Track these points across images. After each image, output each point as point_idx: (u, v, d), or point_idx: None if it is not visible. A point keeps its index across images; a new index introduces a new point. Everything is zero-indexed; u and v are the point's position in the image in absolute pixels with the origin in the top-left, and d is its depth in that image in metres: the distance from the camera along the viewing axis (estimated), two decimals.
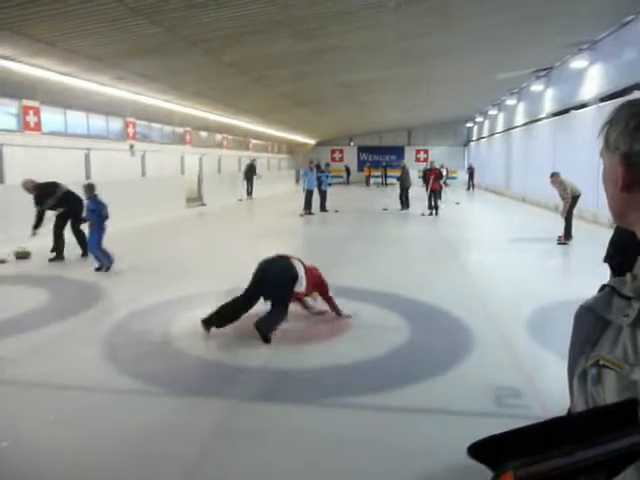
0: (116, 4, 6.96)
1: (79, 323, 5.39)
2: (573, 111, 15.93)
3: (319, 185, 17.20)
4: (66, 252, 8.71)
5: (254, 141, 28.21)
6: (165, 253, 9.91)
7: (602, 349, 0.86)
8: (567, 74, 16.10)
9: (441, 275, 7.90)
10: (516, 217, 16.75)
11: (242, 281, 7.00)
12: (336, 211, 17.16)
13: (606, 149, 0.92)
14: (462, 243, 11.36)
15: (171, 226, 13.87)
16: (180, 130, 20.01)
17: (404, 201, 18.13)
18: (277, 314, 4.87)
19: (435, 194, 16.48)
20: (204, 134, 22.17)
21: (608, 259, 0.82)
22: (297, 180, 31.59)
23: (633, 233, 0.94)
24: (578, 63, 14.67)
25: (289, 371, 4.17)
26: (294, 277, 5.03)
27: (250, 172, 23.02)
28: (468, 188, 30.68)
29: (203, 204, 18.92)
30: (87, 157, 13.02)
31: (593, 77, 14.34)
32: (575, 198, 10.67)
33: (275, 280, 4.99)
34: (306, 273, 5.16)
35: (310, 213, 16.30)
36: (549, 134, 18.41)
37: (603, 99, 13.77)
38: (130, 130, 16.40)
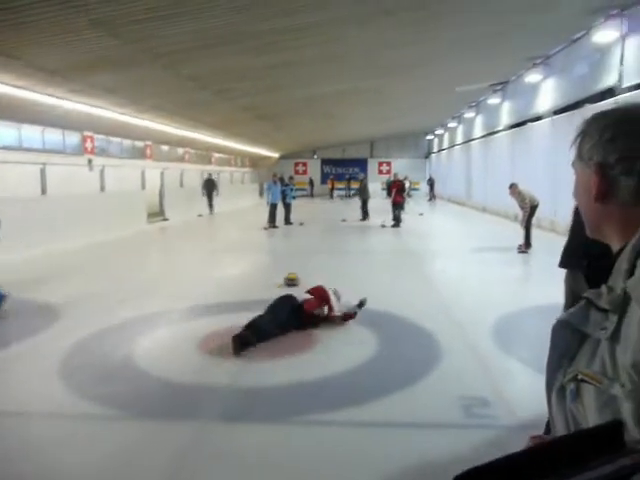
0: (75, 16, 6.80)
1: (34, 346, 5.16)
2: (529, 123, 16.42)
3: (283, 198, 17.25)
4: None
5: (217, 155, 28.01)
6: (125, 270, 9.66)
7: (580, 363, 0.84)
8: (522, 88, 16.60)
9: (406, 286, 7.94)
10: (477, 227, 17.08)
11: (204, 298, 6.91)
12: (301, 224, 17.16)
13: (579, 160, 0.93)
14: (426, 253, 11.49)
15: (131, 242, 13.56)
16: (140, 144, 19.68)
17: (364, 213, 18.76)
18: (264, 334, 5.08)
19: (397, 206, 16.63)
20: (165, 148, 21.89)
21: (583, 268, 0.79)
22: (261, 194, 31.46)
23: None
24: (532, 77, 15.15)
25: (256, 389, 4.08)
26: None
27: (210, 187, 22.46)
28: (430, 199, 31.19)
29: (165, 219, 18.59)
30: (43, 172, 12.63)
31: (547, 91, 14.82)
32: (534, 208, 10.95)
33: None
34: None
35: (274, 226, 16.23)
36: (507, 145, 18.90)
37: (557, 112, 14.24)
38: (88, 144, 16.04)
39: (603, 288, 0.85)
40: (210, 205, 22.12)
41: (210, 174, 23.34)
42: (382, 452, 3.17)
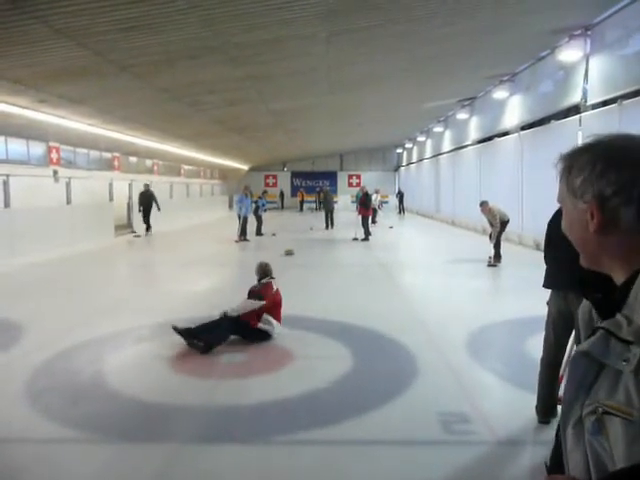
0: (39, 25, 6.62)
1: None
2: (496, 138, 16.78)
3: (256, 210, 17.74)
4: None
5: (186, 167, 27.72)
6: (92, 285, 9.40)
7: (599, 395, 0.82)
8: (490, 104, 16.97)
9: (379, 300, 7.93)
10: (447, 240, 17.27)
11: (174, 314, 6.73)
12: (273, 234, 17.59)
13: (572, 196, 0.92)
14: (397, 267, 11.54)
15: (98, 256, 13.23)
16: (108, 155, 19.31)
17: (329, 221, 20.20)
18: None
19: (366, 219, 16.64)
20: (134, 159, 21.53)
21: (586, 293, 0.81)
22: (230, 206, 31.21)
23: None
24: (499, 94, 15.50)
25: (232, 408, 3.98)
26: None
27: (146, 200, 17.91)
28: (399, 212, 31.48)
29: (133, 232, 18.23)
30: (6, 183, 12.24)
31: (514, 107, 15.18)
32: (504, 224, 11.15)
33: None
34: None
35: (245, 239, 16.08)
36: (475, 160, 19.25)
37: (524, 127, 14.59)
38: (53, 155, 15.64)
39: (620, 317, 0.84)
40: (147, 223, 17.91)
41: (147, 185, 18.31)
42: (364, 471, 3.12)
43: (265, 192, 20.72)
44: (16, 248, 11.12)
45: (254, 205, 17.74)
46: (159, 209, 18.06)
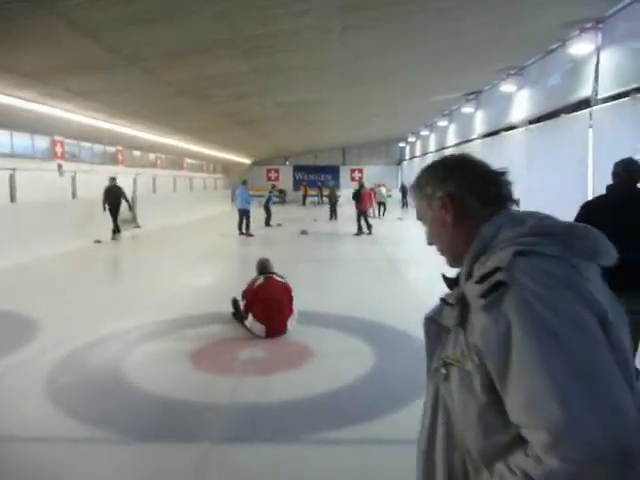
0: (52, 17, 6.54)
1: (15, 363, 4.88)
2: (503, 132, 16.68)
3: (266, 203, 18.92)
4: None
5: (189, 160, 27.63)
6: (102, 279, 9.36)
7: (447, 350, 1.05)
8: (496, 97, 16.85)
9: (393, 294, 7.88)
10: None
11: (187, 309, 6.69)
12: (279, 224, 18.67)
13: (426, 205, 1.21)
14: (406, 261, 11.49)
15: (106, 250, 13.17)
16: (112, 149, 19.23)
17: (333, 213, 22.22)
18: None
19: (360, 214, 16.57)
20: (137, 153, 21.44)
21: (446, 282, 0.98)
22: (233, 200, 31.04)
23: None
24: (507, 87, 15.38)
25: (257, 405, 3.93)
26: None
27: (113, 197, 14.65)
28: (402, 206, 31.38)
29: (137, 226, 18.16)
30: (12, 177, 12.16)
31: (521, 101, 15.07)
32: None
33: None
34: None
35: (248, 234, 15.97)
36: (480, 154, 18.98)
37: (532, 121, 14.49)
38: (58, 149, 15.56)
39: (453, 290, 1.11)
40: (115, 224, 14.86)
41: (113, 179, 14.90)
42: (395, 469, 3.07)
43: (274, 186, 22.10)
44: (23, 242, 11.05)
45: (265, 198, 18.87)
46: (130, 207, 15.78)
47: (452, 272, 1.19)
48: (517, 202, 1.19)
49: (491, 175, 1.17)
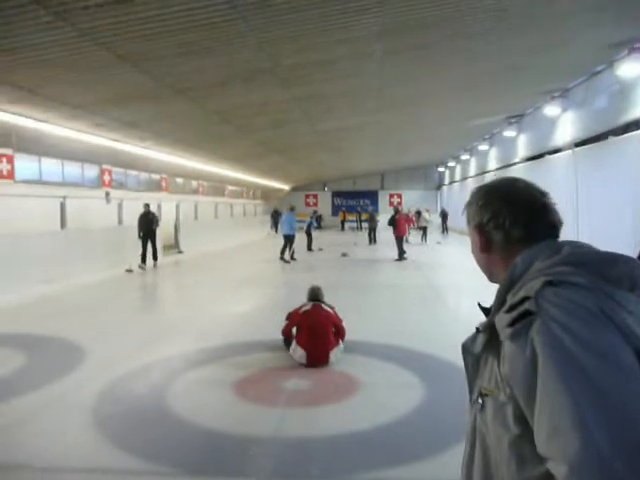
0: (103, 52, 6.78)
1: (62, 390, 4.91)
2: (547, 156, 16.30)
3: (308, 228, 19.65)
4: None
5: (230, 187, 28.09)
6: (145, 306, 9.47)
7: (484, 380, 1.06)
8: (540, 120, 16.54)
9: (436, 322, 7.67)
10: None
11: (230, 337, 6.65)
12: (320, 249, 19.28)
13: (468, 225, 1.24)
14: (449, 288, 11.22)
15: (148, 276, 13.38)
16: (156, 177, 19.73)
17: (372, 238, 22.99)
18: None
19: (399, 240, 16.41)
20: (180, 180, 21.93)
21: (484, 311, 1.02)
22: (271, 226, 31.46)
23: None
24: (550, 110, 15.08)
25: (304, 440, 3.81)
26: None
27: (146, 225, 14.19)
28: (442, 231, 30.96)
29: (180, 252, 18.46)
30: (63, 205, 12.57)
31: (566, 123, 14.73)
32: None
33: None
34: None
35: (291, 259, 15.97)
36: (524, 178, 18.71)
37: (577, 144, 14.12)
38: (106, 177, 16.06)
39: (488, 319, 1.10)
40: (154, 251, 14.50)
41: (147, 205, 14.55)
42: None
43: (315, 212, 24.09)
44: (72, 268, 11.34)
45: (305, 224, 19.63)
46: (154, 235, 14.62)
47: (489, 301, 1.17)
48: (558, 233, 1.17)
49: (531, 210, 1.15)
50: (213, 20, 6.37)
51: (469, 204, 1.23)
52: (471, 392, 1.13)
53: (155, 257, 14.62)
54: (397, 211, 17.57)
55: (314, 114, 13.58)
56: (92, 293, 10.58)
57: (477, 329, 1.11)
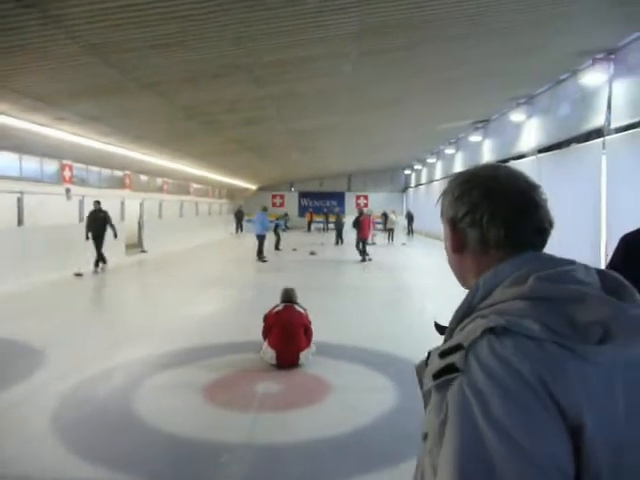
0: (69, 41, 6.51)
1: (18, 397, 4.66)
2: (512, 161, 16.62)
3: (275, 228, 19.74)
4: None
5: (195, 185, 27.65)
6: (107, 306, 9.18)
7: (428, 415, 0.89)
8: (505, 126, 16.87)
9: (405, 326, 7.67)
10: None
11: (197, 339, 6.48)
12: (294, 249, 19.43)
13: (441, 217, 1.04)
14: (416, 290, 11.28)
15: (112, 275, 12.99)
16: (119, 174, 19.23)
17: (339, 239, 23.50)
18: None
19: (359, 241, 16.69)
20: (144, 178, 21.45)
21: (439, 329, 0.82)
22: (237, 226, 31.11)
23: None
24: (516, 116, 15.39)
25: (277, 446, 3.71)
26: None
27: (97, 223, 12.97)
28: (408, 233, 31.26)
29: (144, 251, 18.04)
30: (20, 201, 12.08)
31: (531, 129, 15.06)
32: None
33: None
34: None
35: (263, 259, 15.98)
36: None
37: (541, 150, 14.45)
38: (66, 173, 15.54)
39: (444, 343, 0.91)
40: (98, 253, 12.90)
41: (98, 202, 13.32)
42: None
43: (286, 214, 26.07)
44: (29, 267, 10.91)
45: (273, 224, 19.48)
46: (115, 235, 13.20)
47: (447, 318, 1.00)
48: (545, 238, 0.97)
49: (514, 206, 0.95)
50: (191, 12, 6.19)
51: (444, 193, 1.03)
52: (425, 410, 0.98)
53: (102, 261, 12.95)
54: (361, 213, 17.98)
55: (288, 113, 13.45)
56: (50, 293, 10.19)
57: (428, 354, 0.95)
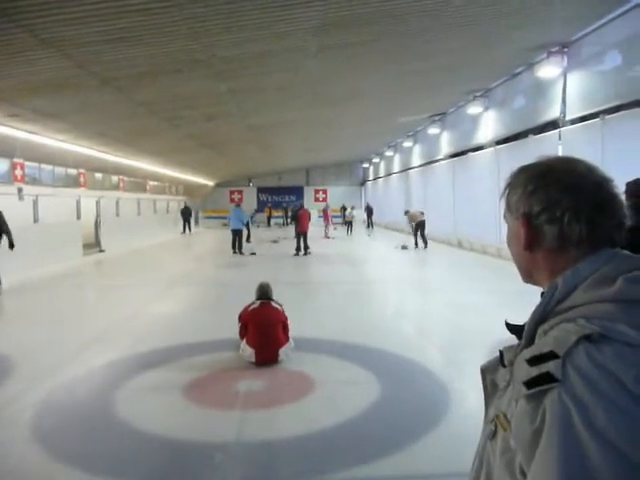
0: (25, 34, 6.24)
1: None
2: (470, 153, 16.99)
3: (247, 223, 19.40)
4: None
5: (152, 183, 27.05)
6: (71, 310, 8.87)
7: (503, 403, 0.88)
8: (462, 119, 17.21)
9: (377, 318, 7.76)
10: (424, 254, 17.26)
11: (170, 339, 6.34)
12: (253, 253, 17.19)
13: (509, 212, 0.99)
14: (381, 283, 11.40)
15: (71, 277, 12.58)
16: (74, 172, 18.60)
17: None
18: None
19: (304, 235, 16.64)
20: (99, 176, 20.83)
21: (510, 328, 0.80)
22: (197, 222, 30.53)
23: None
24: (473, 109, 15.73)
25: (267, 443, 3.69)
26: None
27: None
28: (368, 226, 31.52)
29: (102, 250, 17.53)
30: None
31: (488, 122, 15.42)
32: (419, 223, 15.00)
33: None
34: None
35: (240, 253, 16.50)
36: (447, 174, 19.44)
37: (499, 142, 14.83)
38: (18, 172, 14.91)
39: (513, 351, 0.91)
40: None
41: None
42: None
43: (256, 210, 26.64)
44: None
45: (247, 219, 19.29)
46: (12, 245, 10.14)
47: (522, 316, 0.97)
48: (622, 234, 0.92)
49: (598, 203, 0.90)
50: (149, 6, 6.03)
51: (512, 187, 0.98)
52: (487, 409, 0.97)
53: None
54: (301, 206, 18.93)
55: (247, 108, 13.32)
56: (11, 297, 9.77)
57: (500, 353, 0.93)
